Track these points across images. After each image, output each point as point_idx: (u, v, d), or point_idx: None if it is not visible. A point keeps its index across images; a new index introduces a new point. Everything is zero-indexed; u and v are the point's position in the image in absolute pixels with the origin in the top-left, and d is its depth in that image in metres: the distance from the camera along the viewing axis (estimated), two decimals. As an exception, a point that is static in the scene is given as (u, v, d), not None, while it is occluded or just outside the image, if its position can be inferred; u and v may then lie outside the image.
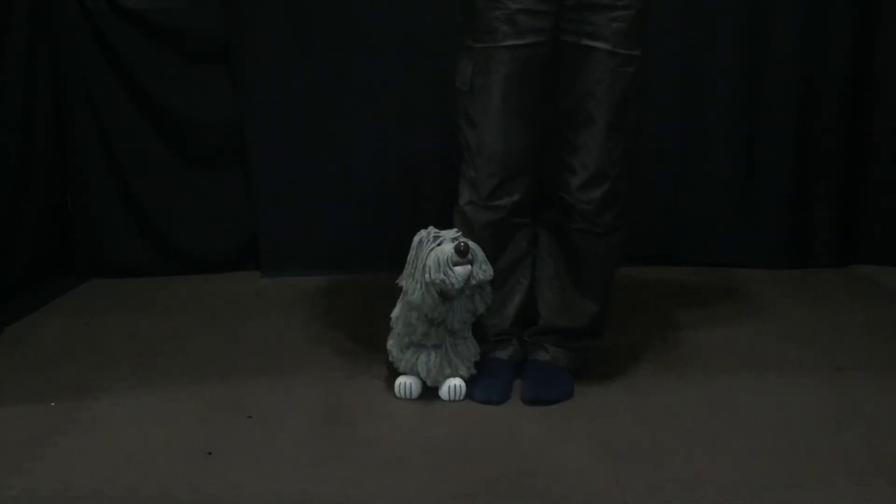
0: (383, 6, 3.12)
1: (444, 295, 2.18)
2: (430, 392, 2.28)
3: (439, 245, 2.19)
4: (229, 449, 2.02)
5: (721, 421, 2.11)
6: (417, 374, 2.28)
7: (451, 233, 2.22)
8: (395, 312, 2.31)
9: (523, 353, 2.39)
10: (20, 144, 3.04)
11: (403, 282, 2.26)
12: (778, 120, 3.19)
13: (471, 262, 2.17)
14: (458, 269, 2.16)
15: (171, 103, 3.21)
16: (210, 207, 3.31)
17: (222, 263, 3.34)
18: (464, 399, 2.24)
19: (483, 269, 2.20)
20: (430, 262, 2.17)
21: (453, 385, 2.26)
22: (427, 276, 2.17)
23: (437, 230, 2.23)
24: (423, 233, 2.24)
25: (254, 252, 3.34)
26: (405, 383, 2.28)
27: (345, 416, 2.18)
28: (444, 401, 2.24)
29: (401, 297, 2.31)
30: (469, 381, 2.28)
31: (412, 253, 2.24)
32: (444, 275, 2.15)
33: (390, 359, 2.33)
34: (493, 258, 2.25)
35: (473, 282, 2.18)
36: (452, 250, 2.16)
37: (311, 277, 3.24)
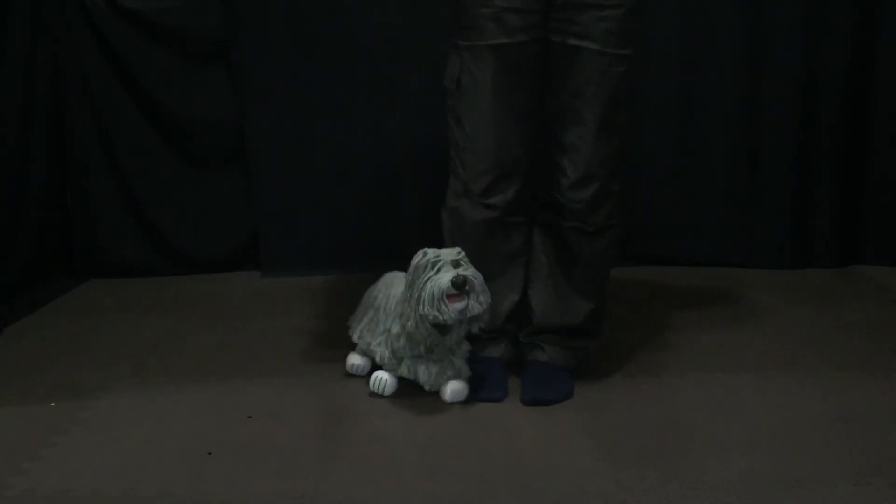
0: (382, 5, 3.12)
1: (439, 327, 2.13)
2: (426, 392, 2.27)
3: (437, 272, 2.11)
4: (229, 449, 2.02)
5: (721, 421, 2.11)
6: (417, 380, 2.24)
7: (451, 253, 2.13)
8: (396, 328, 2.23)
9: (514, 353, 2.39)
10: (20, 144, 3.04)
11: (400, 306, 2.20)
12: (778, 120, 3.19)
13: (468, 295, 2.10)
14: (455, 304, 2.09)
15: (170, 102, 3.22)
16: (210, 207, 3.31)
17: (222, 263, 3.34)
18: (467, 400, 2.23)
19: (480, 302, 2.12)
20: (426, 294, 2.09)
21: (457, 388, 2.22)
22: (421, 308, 2.11)
23: (436, 252, 2.14)
24: (420, 255, 2.14)
25: (254, 252, 3.34)
26: (381, 379, 2.25)
27: (345, 416, 2.17)
28: (443, 401, 2.23)
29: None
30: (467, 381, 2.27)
31: (409, 276, 2.16)
32: (438, 311, 2.09)
33: (377, 359, 2.28)
34: (485, 256, 2.22)
35: (469, 315, 2.12)
36: (449, 284, 2.08)
37: (311, 277, 3.24)
